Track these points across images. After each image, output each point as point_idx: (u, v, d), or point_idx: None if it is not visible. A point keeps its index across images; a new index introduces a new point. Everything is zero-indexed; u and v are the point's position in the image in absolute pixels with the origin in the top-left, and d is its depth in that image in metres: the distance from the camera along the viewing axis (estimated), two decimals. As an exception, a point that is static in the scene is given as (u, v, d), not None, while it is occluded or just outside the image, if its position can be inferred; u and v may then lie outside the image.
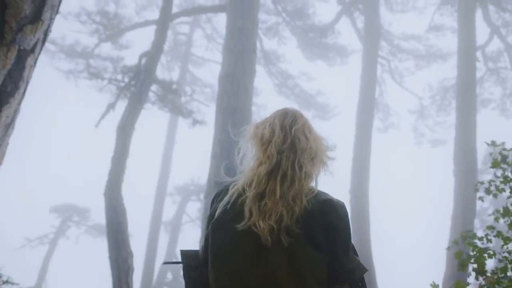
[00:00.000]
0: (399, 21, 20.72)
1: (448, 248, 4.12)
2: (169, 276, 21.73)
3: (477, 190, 5.43)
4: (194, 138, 19.93)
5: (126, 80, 11.27)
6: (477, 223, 17.86)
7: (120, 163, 9.47)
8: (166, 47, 24.89)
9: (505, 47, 17.33)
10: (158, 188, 19.55)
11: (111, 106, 10.94)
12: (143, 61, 11.00)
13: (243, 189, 1.61)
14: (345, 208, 1.63)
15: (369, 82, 16.19)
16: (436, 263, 10.98)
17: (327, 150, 1.72)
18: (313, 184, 1.66)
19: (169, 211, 22.77)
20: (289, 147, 1.64)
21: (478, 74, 18.05)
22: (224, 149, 10.35)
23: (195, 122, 11.93)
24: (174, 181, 22.51)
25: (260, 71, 22.87)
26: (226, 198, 1.65)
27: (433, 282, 3.92)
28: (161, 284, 20.90)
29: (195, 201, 22.04)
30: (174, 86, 11.61)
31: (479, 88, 19.37)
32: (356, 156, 14.78)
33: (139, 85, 10.25)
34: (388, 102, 20.14)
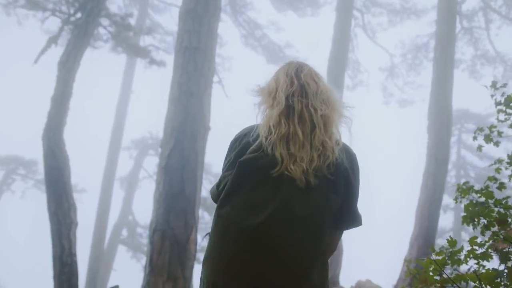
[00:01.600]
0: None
1: (456, 199, 3.31)
2: (124, 233, 20.79)
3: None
4: (154, 86, 18.52)
5: (72, 11, 9.75)
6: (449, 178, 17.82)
7: (62, 103, 8.19)
8: (123, -13, 22.81)
9: (482, 4, 16.72)
10: (112, 140, 18.17)
11: (53, 40, 9.46)
12: (92, -12, 9.48)
13: (265, 137, 1.61)
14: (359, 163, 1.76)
15: (342, 37, 15.18)
16: (407, 223, 10.58)
17: (341, 100, 1.74)
18: (336, 130, 1.69)
19: (125, 166, 21.55)
20: (298, 90, 1.66)
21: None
22: (183, 93, 9.23)
23: (153, 62, 10.61)
24: (131, 134, 21.18)
25: (225, 20, 21.39)
26: (253, 145, 1.63)
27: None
28: (116, 241, 19.94)
29: (153, 156, 20.86)
30: (128, 21, 10.19)
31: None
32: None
33: (85, 14, 8.81)
34: (359, 58, 19.36)
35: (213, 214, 1.74)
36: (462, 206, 4.49)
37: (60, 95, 8.11)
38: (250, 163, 1.61)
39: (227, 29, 22.96)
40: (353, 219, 1.73)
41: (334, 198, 1.62)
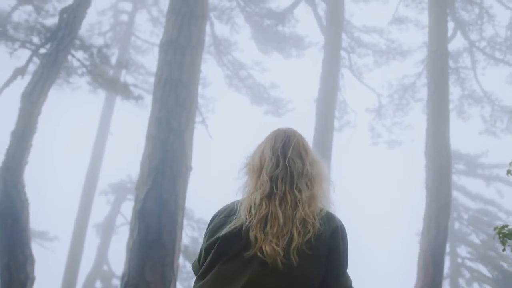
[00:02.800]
0: (360, 11, 19.69)
1: (503, 243, 2.54)
2: (98, 285, 19.12)
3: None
4: (133, 127, 17.62)
5: (43, 41, 9.00)
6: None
7: (24, 139, 7.22)
8: (104, 27, 22.41)
9: (468, 45, 16.67)
10: (87, 183, 16.97)
11: (19, 72, 8.62)
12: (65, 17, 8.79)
13: (245, 218, 1.63)
14: (345, 230, 1.72)
15: (330, 77, 14.81)
16: (408, 271, 9.60)
17: (327, 173, 1.74)
18: (320, 204, 1.69)
19: (101, 212, 20.20)
20: (283, 171, 1.67)
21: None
22: (163, 129, 8.38)
23: (130, 96, 9.77)
24: (108, 177, 19.99)
25: (209, 60, 21.01)
26: (229, 225, 1.66)
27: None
28: (88, 294, 18.25)
29: (132, 201, 19.59)
30: (104, 50, 9.44)
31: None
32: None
33: (56, 43, 8.04)
34: (346, 98, 18.95)
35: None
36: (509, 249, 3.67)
37: (21, 130, 7.17)
38: (226, 242, 1.64)
39: (211, 69, 22.57)
40: None
41: (314, 272, 1.61)
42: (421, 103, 19.85)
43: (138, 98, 10.26)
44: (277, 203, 1.62)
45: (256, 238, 1.58)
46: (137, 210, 7.93)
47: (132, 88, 10.44)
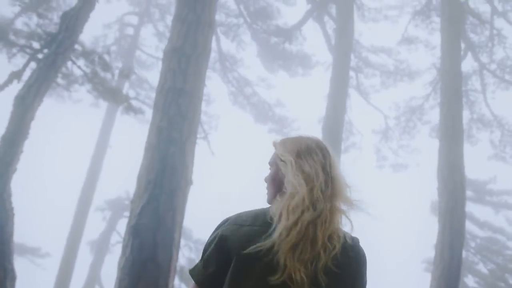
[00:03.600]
0: (370, 30, 19.45)
1: None
2: (89, 305, 18.27)
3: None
4: (134, 142, 17.15)
5: (42, 44, 8.62)
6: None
7: (14, 144, 6.74)
8: (109, 41, 22.19)
9: (478, 67, 16.32)
10: (82, 198, 16.39)
11: (15, 76, 8.20)
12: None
13: (279, 237, 1.48)
14: None
15: (338, 97, 14.39)
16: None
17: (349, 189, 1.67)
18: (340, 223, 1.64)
19: (96, 229, 19.55)
20: (329, 191, 1.60)
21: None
22: (163, 139, 7.89)
23: (130, 109, 9.32)
24: (105, 193, 19.41)
25: (214, 77, 20.71)
26: (258, 243, 1.50)
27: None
28: (78, 315, 17.43)
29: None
30: (106, 58, 9.04)
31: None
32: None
33: (55, 46, 7.64)
34: (352, 119, 18.52)
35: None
36: None
37: (12, 134, 6.69)
38: (250, 262, 1.50)
39: (215, 86, 22.26)
40: None
41: None
42: (428, 126, 19.43)
43: (139, 111, 9.81)
44: (318, 226, 1.52)
45: (285, 264, 1.46)
46: (131, 225, 7.37)
47: (133, 102, 10.00)
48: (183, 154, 7.89)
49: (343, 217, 1.62)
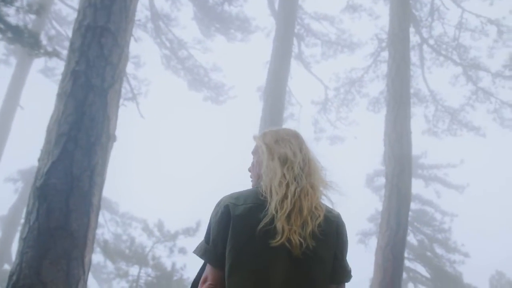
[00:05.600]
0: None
1: None
2: (-3, 286, 16.27)
3: None
4: (51, 104, 15.13)
5: None
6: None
7: None
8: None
9: (418, 41, 16.26)
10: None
11: None
12: None
13: (275, 209, 1.71)
14: None
15: (280, 66, 13.54)
16: (359, 265, 8.49)
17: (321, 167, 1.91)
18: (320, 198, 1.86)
19: (6, 202, 17.40)
20: (307, 169, 1.83)
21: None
22: (80, 85, 6.52)
23: (44, 52, 7.63)
24: (17, 162, 17.24)
25: (146, 39, 19.00)
26: (263, 220, 1.72)
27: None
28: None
29: (45, 189, 16.98)
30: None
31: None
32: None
33: None
34: (292, 89, 17.86)
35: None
36: None
37: None
38: (252, 230, 1.70)
39: (146, 48, 20.50)
40: (346, 274, 1.83)
41: (327, 256, 1.75)
42: (366, 99, 19.37)
43: (53, 54, 8.12)
44: (303, 196, 1.75)
45: (283, 229, 1.67)
46: (37, 187, 6.01)
47: (46, 43, 8.29)
48: (105, 104, 6.58)
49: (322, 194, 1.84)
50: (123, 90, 10.30)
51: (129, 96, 13.10)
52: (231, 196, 1.79)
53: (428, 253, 17.48)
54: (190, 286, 1.83)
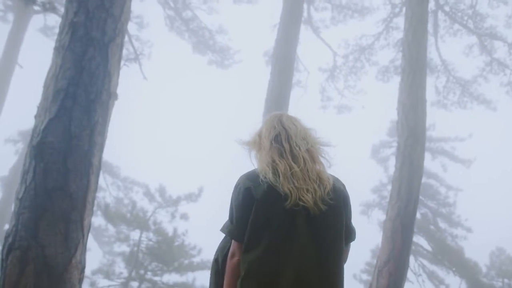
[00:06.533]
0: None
1: None
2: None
3: None
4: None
5: None
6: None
7: None
8: None
9: (433, 7, 15.52)
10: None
11: None
12: None
13: (274, 178, 1.92)
14: None
15: (290, 30, 12.95)
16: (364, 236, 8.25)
17: (317, 137, 2.12)
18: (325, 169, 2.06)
19: (6, 163, 17.18)
20: (284, 134, 2.04)
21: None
22: (78, 38, 6.07)
23: (39, 3, 7.14)
24: (17, 123, 16.91)
25: (149, -1, 18.25)
26: (259, 187, 1.91)
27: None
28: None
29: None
30: None
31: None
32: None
33: None
34: (299, 55, 17.24)
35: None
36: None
37: None
38: (265, 202, 1.90)
39: (149, 8, 19.78)
40: (352, 234, 2.08)
41: (340, 219, 1.95)
42: (376, 68, 18.76)
43: (50, 8, 7.62)
44: (290, 158, 1.96)
45: (291, 192, 1.88)
46: (33, 145, 5.68)
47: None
48: (105, 59, 6.15)
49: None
50: (125, 51, 9.83)
51: (131, 57, 12.59)
52: (247, 177, 1.97)
53: (431, 227, 17.35)
54: (215, 251, 2.03)
